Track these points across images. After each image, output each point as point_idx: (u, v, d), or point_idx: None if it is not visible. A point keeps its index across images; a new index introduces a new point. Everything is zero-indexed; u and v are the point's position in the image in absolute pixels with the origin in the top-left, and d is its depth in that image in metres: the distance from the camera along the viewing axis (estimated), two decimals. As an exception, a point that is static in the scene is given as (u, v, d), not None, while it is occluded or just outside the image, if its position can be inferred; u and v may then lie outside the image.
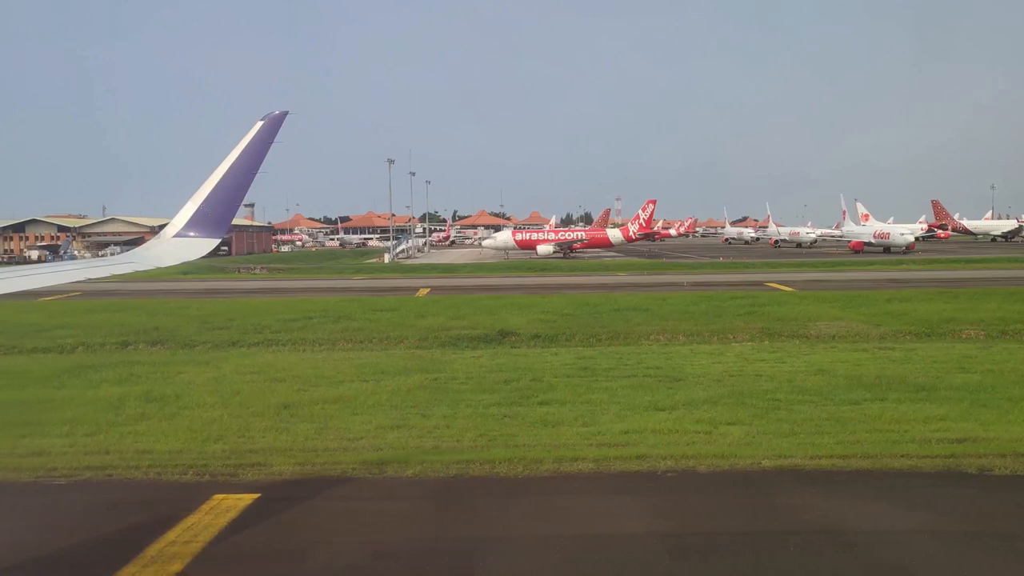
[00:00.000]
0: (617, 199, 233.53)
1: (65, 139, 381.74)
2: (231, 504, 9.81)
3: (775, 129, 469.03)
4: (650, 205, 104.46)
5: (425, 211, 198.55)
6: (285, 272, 70.93)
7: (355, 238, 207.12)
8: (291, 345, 24.24)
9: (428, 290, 43.26)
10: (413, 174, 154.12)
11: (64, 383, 18.11)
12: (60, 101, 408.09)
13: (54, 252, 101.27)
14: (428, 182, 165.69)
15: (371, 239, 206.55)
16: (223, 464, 11.44)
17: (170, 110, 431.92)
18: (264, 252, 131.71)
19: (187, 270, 74.17)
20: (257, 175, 8.91)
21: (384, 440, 12.81)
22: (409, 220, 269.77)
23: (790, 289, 40.45)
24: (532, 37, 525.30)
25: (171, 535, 8.76)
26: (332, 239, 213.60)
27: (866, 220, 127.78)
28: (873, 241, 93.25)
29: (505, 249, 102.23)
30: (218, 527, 9.03)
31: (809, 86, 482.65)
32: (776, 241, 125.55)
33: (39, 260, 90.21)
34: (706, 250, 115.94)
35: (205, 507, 9.71)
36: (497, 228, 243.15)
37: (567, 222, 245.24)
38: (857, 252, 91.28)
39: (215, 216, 8.90)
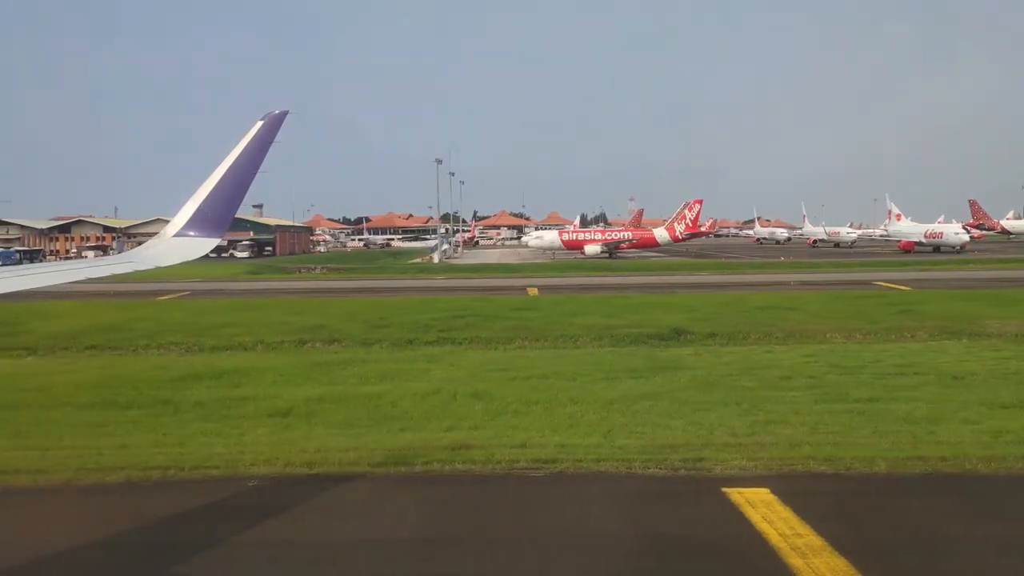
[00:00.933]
0: (630, 199, 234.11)
1: (64, 139, 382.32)
2: (764, 499, 9.79)
3: (782, 129, 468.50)
4: (696, 205, 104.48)
5: (459, 212, 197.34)
6: (346, 272, 70.86)
7: (379, 238, 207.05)
8: (482, 343, 24.11)
9: (536, 290, 43.34)
10: (453, 174, 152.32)
11: (335, 380, 18.06)
12: (60, 101, 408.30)
13: (104, 252, 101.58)
14: (463, 183, 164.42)
15: (393, 239, 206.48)
16: (680, 459, 11.28)
17: (172, 110, 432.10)
18: (303, 252, 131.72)
19: (251, 269, 74.79)
20: (257, 175, 8.94)
21: (795, 435, 12.54)
22: (428, 220, 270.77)
23: (907, 288, 40.47)
24: (541, 37, 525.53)
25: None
26: (353, 239, 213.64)
27: (899, 220, 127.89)
28: (924, 241, 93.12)
29: (552, 249, 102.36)
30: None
31: (815, 86, 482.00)
32: (815, 241, 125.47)
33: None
34: (746, 250, 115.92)
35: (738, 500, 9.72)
36: (519, 228, 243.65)
37: (584, 222, 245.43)
38: (907, 252, 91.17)
39: (215, 216, 8.88)
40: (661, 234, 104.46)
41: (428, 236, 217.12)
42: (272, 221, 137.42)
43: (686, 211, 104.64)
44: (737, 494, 9.92)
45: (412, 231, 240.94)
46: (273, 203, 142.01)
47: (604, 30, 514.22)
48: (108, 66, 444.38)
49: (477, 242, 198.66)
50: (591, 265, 76.32)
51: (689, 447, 11.78)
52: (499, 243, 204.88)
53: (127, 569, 8.55)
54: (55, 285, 7.96)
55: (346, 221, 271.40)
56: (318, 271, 73.53)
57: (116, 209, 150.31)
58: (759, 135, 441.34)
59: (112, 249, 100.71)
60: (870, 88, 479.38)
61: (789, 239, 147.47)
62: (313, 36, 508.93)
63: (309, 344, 25.38)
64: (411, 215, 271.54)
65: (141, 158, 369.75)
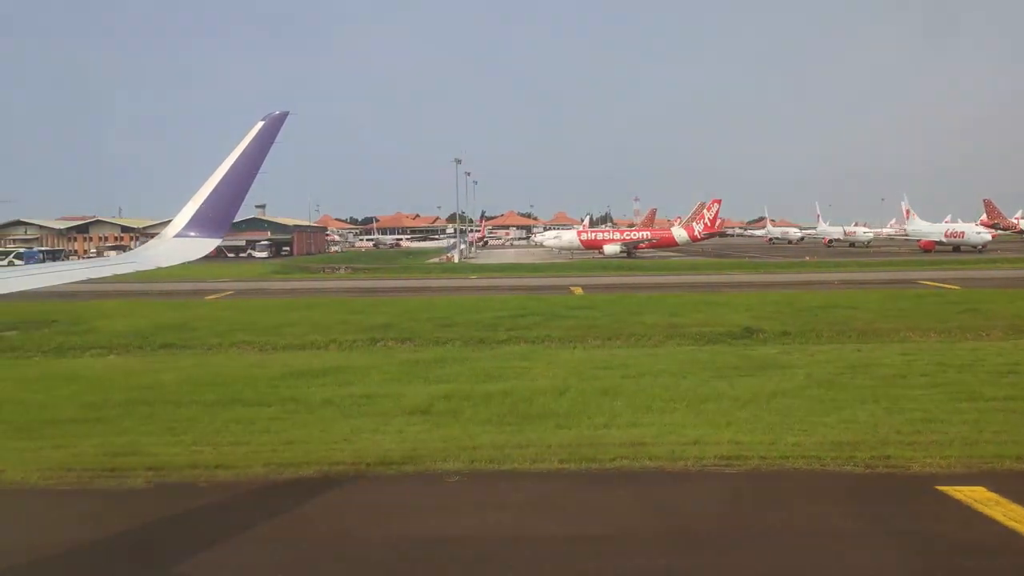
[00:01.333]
0: (635, 199, 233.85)
1: (61, 140, 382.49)
2: (988, 496, 9.73)
3: (780, 131, 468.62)
4: (715, 205, 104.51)
5: (467, 212, 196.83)
6: (372, 272, 70.85)
7: (388, 238, 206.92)
8: (557, 342, 24.02)
9: (580, 289, 43.34)
10: (468, 174, 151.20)
11: (443, 378, 18.06)
12: (58, 102, 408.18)
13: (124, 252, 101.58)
14: (476, 182, 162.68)
15: (401, 239, 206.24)
16: (868, 457, 11.25)
17: (173, 110, 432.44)
18: (319, 252, 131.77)
19: (277, 269, 74.81)
20: (258, 175, 8.95)
21: (969, 433, 12.45)
22: (435, 220, 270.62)
23: (955, 287, 40.47)
24: (550, 37, 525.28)
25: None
26: (361, 239, 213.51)
27: (909, 217, 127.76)
28: (944, 240, 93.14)
29: (570, 249, 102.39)
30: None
31: (815, 87, 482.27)
32: (830, 241, 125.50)
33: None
34: (762, 250, 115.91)
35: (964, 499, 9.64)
36: (528, 229, 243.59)
37: (592, 223, 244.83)
38: (928, 251, 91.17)
39: (216, 217, 8.87)
40: (680, 234, 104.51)
41: (437, 236, 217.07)
42: (289, 221, 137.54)
43: (704, 211, 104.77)
44: (957, 492, 9.91)
45: (420, 231, 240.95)
46: (276, 203, 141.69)
47: (607, 30, 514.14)
48: (109, 67, 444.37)
49: (486, 242, 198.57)
50: (615, 265, 76.30)
51: (866, 445, 11.74)
52: (508, 243, 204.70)
53: (398, 562, 8.61)
54: (56, 285, 8.01)
55: (353, 221, 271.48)
56: (342, 271, 73.52)
57: (120, 210, 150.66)
58: (761, 135, 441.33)
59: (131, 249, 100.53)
60: (873, 87, 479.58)
61: (802, 239, 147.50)
62: (315, 36, 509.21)
63: (382, 343, 25.42)
64: (417, 215, 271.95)
65: (142, 159, 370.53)
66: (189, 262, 8.79)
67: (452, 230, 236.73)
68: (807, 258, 79.66)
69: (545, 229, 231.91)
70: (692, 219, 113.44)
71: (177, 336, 26.32)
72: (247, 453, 11.86)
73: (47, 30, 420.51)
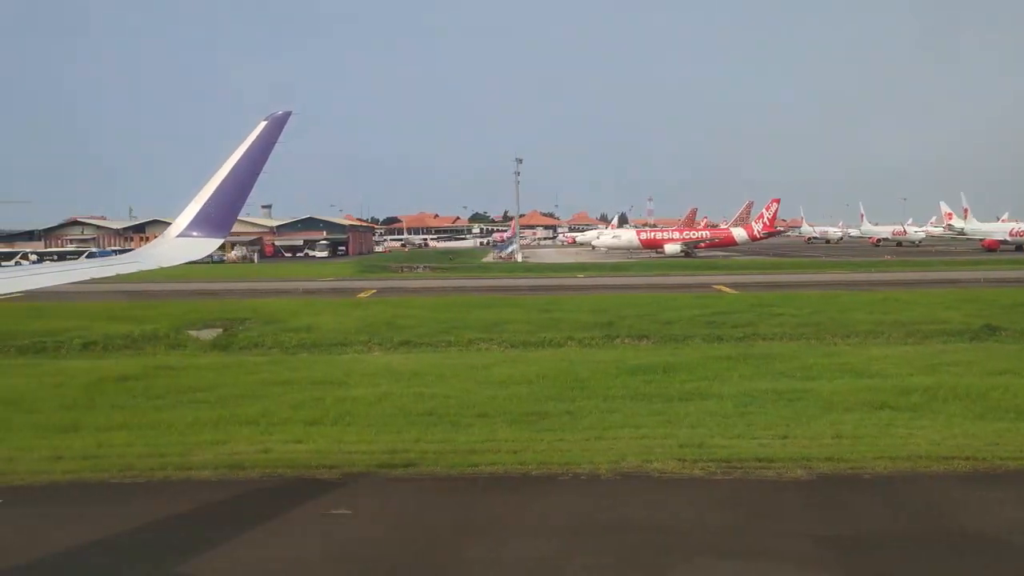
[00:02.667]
0: (649, 199, 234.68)
1: (60, 140, 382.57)
2: None
3: (797, 129, 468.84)
4: (774, 204, 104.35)
5: (489, 212, 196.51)
6: (453, 271, 70.53)
7: (416, 238, 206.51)
8: (784, 338, 24.47)
9: (724, 287, 43.25)
10: (518, 173, 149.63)
11: (773, 372, 17.98)
12: (57, 102, 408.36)
13: None
14: (517, 172, 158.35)
15: (427, 239, 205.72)
16: None
17: (174, 110, 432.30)
18: (369, 252, 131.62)
19: (359, 269, 74.48)
20: (261, 175, 8.94)
21: None
22: (455, 220, 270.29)
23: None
24: (557, 37, 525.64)
25: None
26: (386, 239, 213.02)
27: (950, 219, 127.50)
28: (1009, 239, 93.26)
29: (629, 249, 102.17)
30: None
31: (830, 87, 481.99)
32: (878, 240, 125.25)
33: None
34: (813, 249, 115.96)
35: None
36: (554, 228, 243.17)
37: (608, 222, 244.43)
38: (992, 250, 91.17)
39: (218, 216, 8.87)
40: (740, 233, 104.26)
41: (463, 236, 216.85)
42: (344, 221, 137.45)
43: (764, 210, 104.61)
44: None
45: (444, 231, 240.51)
46: (280, 203, 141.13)
47: (610, 31, 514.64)
48: (112, 67, 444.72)
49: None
50: (695, 264, 75.73)
51: None
52: (535, 243, 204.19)
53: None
54: (58, 285, 7.99)
55: (374, 221, 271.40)
56: (421, 270, 73.28)
57: (131, 209, 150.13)
58: (771, 135, 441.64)
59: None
60: (892, 87, 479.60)
61: (841, 238, 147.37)
62: (315, 34, 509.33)
63: (619, 340, 25.41)
64: (437, 215, 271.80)
65: (148, 159, 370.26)
66: (191, 262, 8.81)
67: (478, 230, 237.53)
68: (887, 257, 79.52)
69: (570, 229, 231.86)
70: (740, 219, 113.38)
71: (413, 334, 26.11)
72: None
73: (49, 30, 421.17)
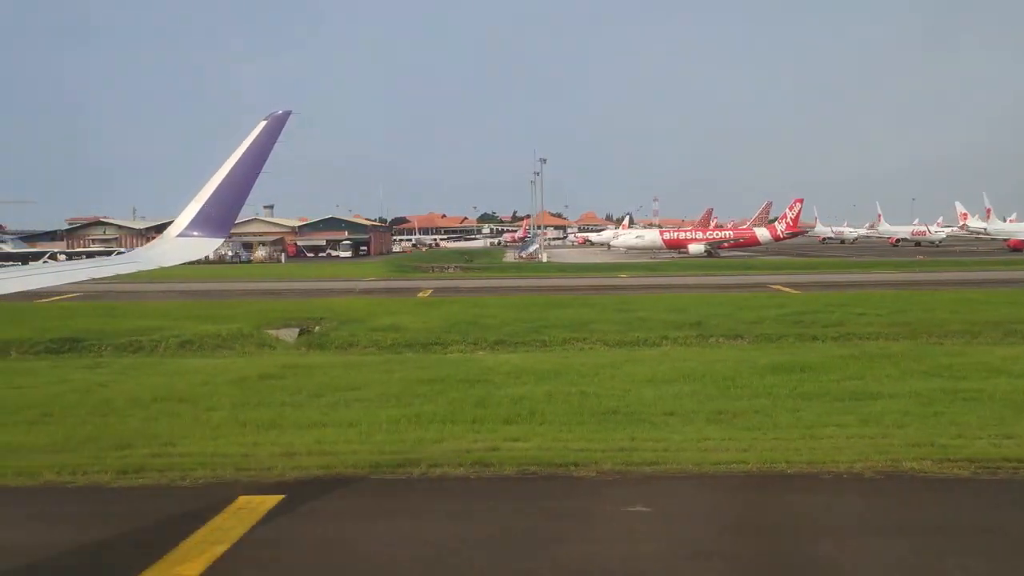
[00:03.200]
0: (654, 199, 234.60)
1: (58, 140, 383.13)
2: None
3: (803, 129, 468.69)
4: (797, 204, 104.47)
5: (497, 212, 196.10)
6: (486, 272, 70.45)
7: (427, 239, 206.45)
8: (888, 338, 24.22)
9: (780, 286, 43.24)
10: (538, 173, 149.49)
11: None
12: (55, 103, 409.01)
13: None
14: (537, 173, 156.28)
15: (438, 239, 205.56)
16: None
17: (176, 110, 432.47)
18: (388, 252, 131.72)
19: (392, 268, 74.39)
20: (260, 175, 8.94)
21: None
22: (463, 220, 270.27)
23: None
24: (560, 38, 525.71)
25: None
26: (399, 239, 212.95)
27: (965, 219, 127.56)
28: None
29: (652, 249, 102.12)
30: None
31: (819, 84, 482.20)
32: (897, 240, 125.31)
33: (219, 260, 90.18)
34: (831, 250, 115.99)
35: None
36: (563, 228, 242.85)
37: (618, 222, 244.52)
38: (1018, 250, 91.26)
39: (218, 216, 8.86)
40: (763, 233, 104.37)
41: (474, 236, 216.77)
42: (365, 221, 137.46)
43: (787, 210, 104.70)
44: None
45: (453, 231, 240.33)
46: (283, 203, 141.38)
47: (615, 33, 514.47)
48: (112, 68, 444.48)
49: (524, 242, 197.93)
50: (729, 264, 75.55)
51: None
52: (546, 243, 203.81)
53: None
54: (58, 285, 7.95)
55: (382, 221, 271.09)
56: (452, 270, 73.15)
57: (134, 210, 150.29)
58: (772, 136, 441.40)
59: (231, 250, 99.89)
60: (894, 88, 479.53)
61: (856, 239, 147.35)
62: (315, 34, 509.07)
63: (713, 339, 25.35)
64: (444, 215, 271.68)
65: (148, 159, 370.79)
66: (190, 262, 8.82)
67: (488, 230, 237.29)
68: (919, 257, 79.55)
69: (580, 230, 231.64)
70: (759, 219, 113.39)
71: (492, 334, 26.03)
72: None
73: (50, 31, 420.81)
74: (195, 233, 8.83)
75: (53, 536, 9.41)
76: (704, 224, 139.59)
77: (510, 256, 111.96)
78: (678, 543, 8.86)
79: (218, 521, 9.44)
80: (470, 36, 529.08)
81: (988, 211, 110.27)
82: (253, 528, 9.26)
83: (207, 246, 8.91)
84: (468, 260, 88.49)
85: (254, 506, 9.89)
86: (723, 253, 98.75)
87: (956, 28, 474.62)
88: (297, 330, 28.83)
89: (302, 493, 10.36)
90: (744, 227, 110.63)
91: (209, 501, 10.08)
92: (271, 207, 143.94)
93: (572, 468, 11.04)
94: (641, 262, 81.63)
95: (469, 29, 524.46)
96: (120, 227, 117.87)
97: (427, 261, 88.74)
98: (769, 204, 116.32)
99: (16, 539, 9.39)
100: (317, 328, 29.10)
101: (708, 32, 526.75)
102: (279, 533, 9.21)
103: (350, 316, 30.88)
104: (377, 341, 25.45)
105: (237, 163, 8.81)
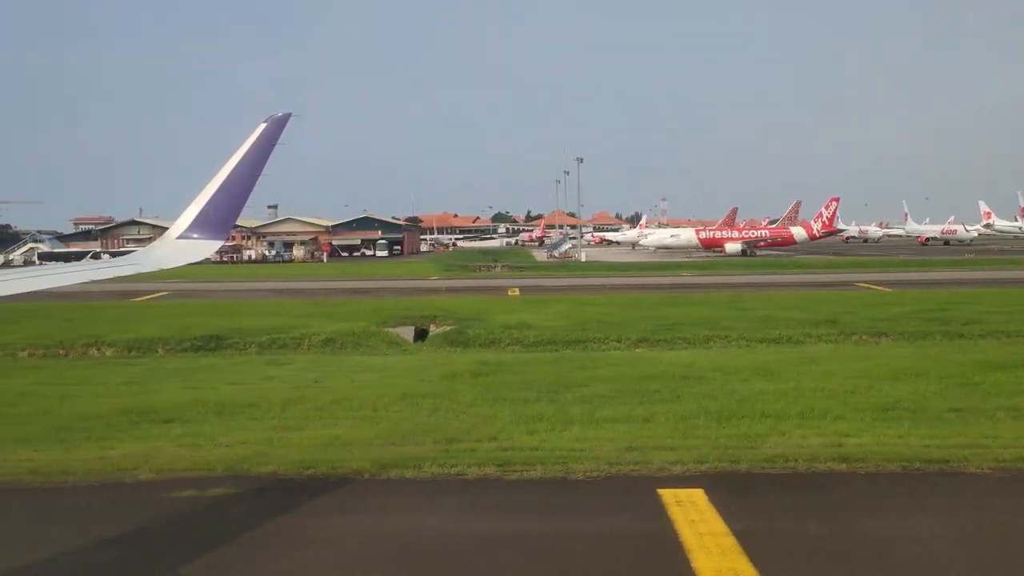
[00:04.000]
0: (663, 199, 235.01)
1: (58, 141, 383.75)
2: None
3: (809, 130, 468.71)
4: (833, 203, 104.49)
5: (511, 212, 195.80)
6: (544, 271, 70.42)
7: (445, 238, 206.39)
8: (1010, 336, 24.12)
9: (867, 284, 43.34)
10: (567, 172, 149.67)
11: None
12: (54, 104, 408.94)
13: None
14: (567, 172, 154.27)
15: (454, 239, 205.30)
16: None
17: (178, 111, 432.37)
18: (418, 251, 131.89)
19: (440, 268, 74.30)
20: (260, 177, 8.98)
21: None
22: (475, 220, 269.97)
23: None
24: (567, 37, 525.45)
25: None
26: (424, 238, 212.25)
27: (988, 218, 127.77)
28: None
29: (688, 248, 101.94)
30: None
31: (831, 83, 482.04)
32: (927, 239, 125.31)
33: (261, 259, 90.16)
34: (864, 249, 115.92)
35: None
36: (579, 228, 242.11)
37: (635, 223, 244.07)
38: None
39: (218, 218, 8.91)
40: (799, 232, 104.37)
41: (490, 235, 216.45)
42: (398, 221, 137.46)
43: (823, 209, 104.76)
44: None
45: (468, 231, 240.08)
46: (284, 204, 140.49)
47: (619, 33, 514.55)
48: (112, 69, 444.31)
49: (542, 241, 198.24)
50: (768, 263, 75.25)
51: None
52: (584, 243, 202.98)
53: None
54: (58, 287, 8.00)
55: (394, 219, 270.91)
56: (499, 269, 73.18)
57: (141, 210, 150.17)
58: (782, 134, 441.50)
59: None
60: (899, 87, 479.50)
61: (881, 238, 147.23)
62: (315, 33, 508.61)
63: (855, 337, 25.18)
64: (456, 214, 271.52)
65: (148, 159, 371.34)
66: (191, 263, 8.82)
67: (503, 229, 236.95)
68: (967, 255, 79.64)
69: (595, 229, 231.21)
70: (788, 218, 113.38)
71: (627, 331, 25.91)
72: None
73: (51, 31, 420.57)
74: (195, 235, 8.87)
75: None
76: (730, 223, 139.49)
77: (539, 255, 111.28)
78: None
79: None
80: (484, 34, 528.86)
81: (1022, 210, 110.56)
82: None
83: (207, 248, 8.93)
84: (494, 260, 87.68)
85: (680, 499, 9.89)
86: (759, 252, 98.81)
87: (955, 29, 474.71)
88: (412, 329, 28.77)
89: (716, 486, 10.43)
90: (777, 226, 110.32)
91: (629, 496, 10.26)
92: (275, 207, 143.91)
93: (885, 463, 11.00)
94: (689, 260, 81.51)
95: (470, 30, 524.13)
96: (154, 227, 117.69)
97: (460, 260, 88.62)
98: (798, 203, 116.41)
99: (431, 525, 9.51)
100: (432, 327, 29.09)
101: (708, 32, 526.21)
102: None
103: (463, 315, 30.55)
104: (518, 339, 25.19)
105: (237, 165, 8.83)
